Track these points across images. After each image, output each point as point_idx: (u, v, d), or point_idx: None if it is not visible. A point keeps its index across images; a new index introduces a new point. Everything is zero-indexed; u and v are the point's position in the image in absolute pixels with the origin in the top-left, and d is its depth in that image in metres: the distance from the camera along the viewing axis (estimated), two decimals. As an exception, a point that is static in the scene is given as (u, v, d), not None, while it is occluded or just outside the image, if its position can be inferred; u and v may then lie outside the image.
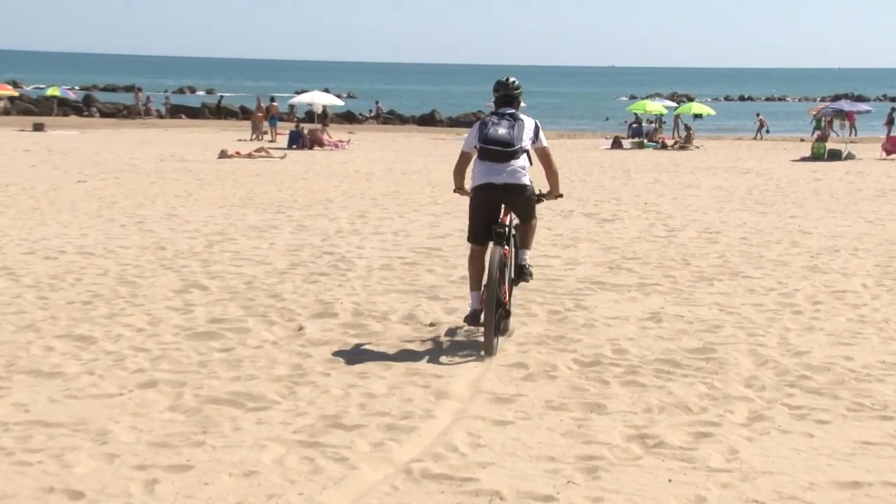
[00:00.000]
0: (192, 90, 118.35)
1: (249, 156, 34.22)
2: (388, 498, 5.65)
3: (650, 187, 25.41)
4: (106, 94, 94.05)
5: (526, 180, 8.96)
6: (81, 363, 8.29)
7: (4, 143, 37.76)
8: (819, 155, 36.67)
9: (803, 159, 36.90)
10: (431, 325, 9.89)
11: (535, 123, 9.09)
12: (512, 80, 9.19)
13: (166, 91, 71.75)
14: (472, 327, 9.14)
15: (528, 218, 9.16)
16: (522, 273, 9.14)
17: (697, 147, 44.32)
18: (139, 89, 71.80)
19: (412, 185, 25.25)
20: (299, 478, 5.89)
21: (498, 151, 8.80)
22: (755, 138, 55.22)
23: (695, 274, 12.77)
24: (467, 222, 9.17)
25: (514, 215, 9.22)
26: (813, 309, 10.71)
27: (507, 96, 9.11)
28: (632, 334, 9.55)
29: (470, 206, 9.11)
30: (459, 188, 9.62)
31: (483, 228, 8.99)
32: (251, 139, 44.62)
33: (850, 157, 36.65)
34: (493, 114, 9.15)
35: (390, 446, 6.43)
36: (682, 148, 43.74)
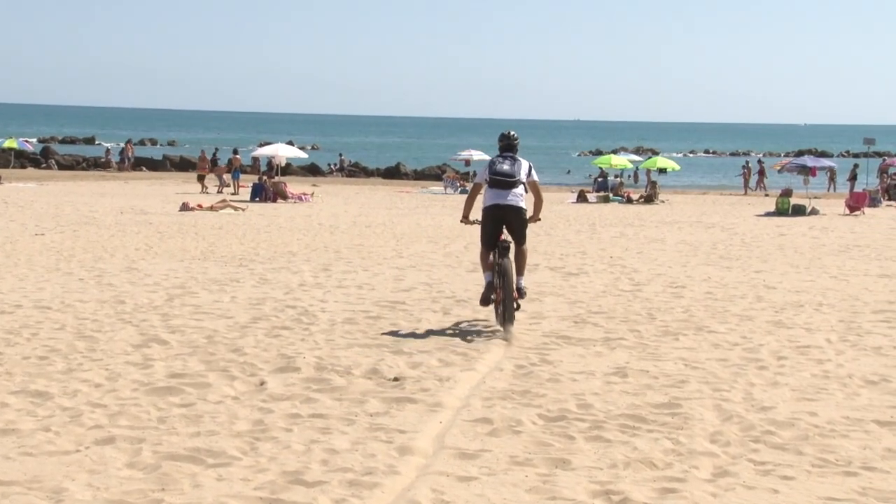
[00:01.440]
0: (154, 142, 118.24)
1: (211, 208, 34.22)
2: None
3: (615, 241, 25.61)
4: (64, 147, 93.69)
5: (523, 204, 12.56)
6: (37, 419, 8.20)
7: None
8: (783, 210, 37.13)
9: (768, 214, 37.36)
10: (395, 379, 9.85)
11: (529, 164, 12.82)
12: (512, 133, 12.92)
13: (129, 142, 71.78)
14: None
15: (522, 239, 12.68)
16: (521, 294, 12.52)
17: (663, 201, 44.75)
18: (128, 141, 71.70)
19: (376, 238, 25.33)
20: None
21: (504, 181, 12.46)
22: (747, 193, 55.21)
23: (660, 328, 12.85)
24: (480, 235, 12.70)
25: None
26: (777, 364, 10.79)
27: (508, 145, 12.81)
28: (597, 389, 9.57)
29: (482, 222, 12.64)
30: (465, 217, 13.34)
31: (492, 239, 12.59)
32: (201, 192, 44.77)
33: (814, 212, 37.11)
34: (499, 156, 12.93)
35: (353, 503, 6.38)
36: (648, 202, 44.13)
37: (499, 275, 12.38)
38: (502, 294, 12.28)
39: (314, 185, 52.64)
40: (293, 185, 44.89)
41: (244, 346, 11.32)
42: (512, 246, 12.65)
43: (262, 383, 9.56)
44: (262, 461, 7.19)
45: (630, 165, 56.05)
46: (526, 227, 12.74)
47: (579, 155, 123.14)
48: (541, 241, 24.24)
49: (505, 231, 12.72)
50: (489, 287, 12.53)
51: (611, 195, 46.47)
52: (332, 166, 72.53)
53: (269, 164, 49.77)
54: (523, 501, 6.54)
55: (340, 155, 77.40)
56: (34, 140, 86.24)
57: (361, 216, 33.31)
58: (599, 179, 52.38)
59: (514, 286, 12.32)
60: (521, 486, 6.82)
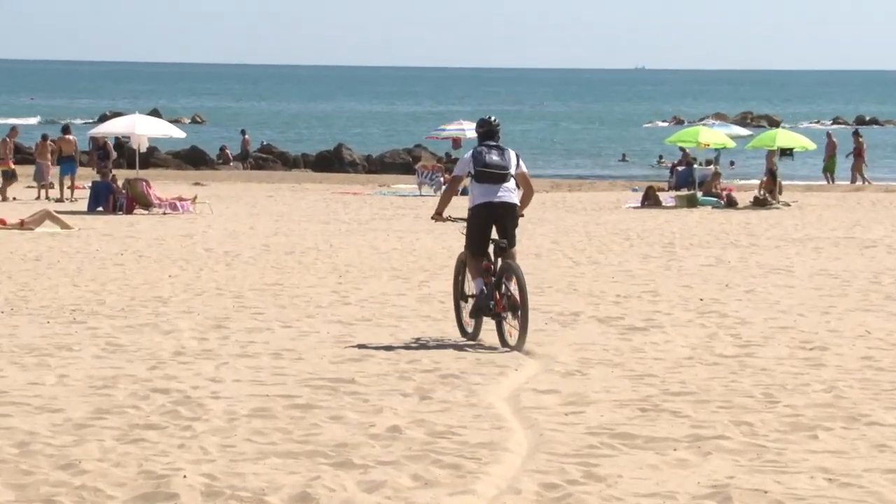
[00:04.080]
0: None
1: (22, 225, 34.07)
2: None
3: (709, 273, 25.50)
4: None
5: (517, 200, 17.03)
6: None
7: None
8: None
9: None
10: None
11: (516, 153, 17.05)
12: (493, 118, 17.52)
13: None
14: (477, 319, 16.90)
15: (513, 241, 16.93)
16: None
17: (787, 204, 44.60)
18: None
19: (305, 273, 25.63)
20: None
21: (496, 174, 16.53)
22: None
23: (786, 419, 12.78)
24: (465, 239, 17.03)
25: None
26: None
27: (489, 132, 17.13)
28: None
29: (470, 223, 16.95)
30: (439, 214, 17.51)
31: (483, 241, 16.83)
32: (36, 198, 44.63)
33: None
34: (482, 145, 16.99)
35: None
36: (762, 205, 43.91)
37: (505, 279, 16.64)
38: (512, 301, 16.46)
39: (197, 184, 52.49)
40: (161, 186, 44.87)
41: (82, 458, 11.21)
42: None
43: None
44: None
45: (732, 144, 54.11)
46: (516, 225, 17.20)
47: (648, 125, 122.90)
48: (582, 275, 24.09)
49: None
50: (483, 295, 16.59)
51: (699, 194, 46.11)
52: (226, 152, 72.45)
53: (120, 147, 49.52)
54: None
55: (243, 132, 76.99)
56: None
57: (278, 235, 33.79)
58: (680, 168, 52.09)
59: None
60: None
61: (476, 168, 16.10)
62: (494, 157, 16.19)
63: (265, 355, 16.30)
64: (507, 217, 16.59)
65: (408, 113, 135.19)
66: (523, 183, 16.93)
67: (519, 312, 16.39)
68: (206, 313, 19.84)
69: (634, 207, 44.27)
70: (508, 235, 16.61)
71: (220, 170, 67.04)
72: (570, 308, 19.24)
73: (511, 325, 16.73)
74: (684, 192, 45.84)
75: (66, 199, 44.02)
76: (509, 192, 16.55)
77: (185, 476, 10.55)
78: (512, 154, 16.61)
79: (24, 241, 31.15)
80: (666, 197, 45.67)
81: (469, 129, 56.80)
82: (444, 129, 61.64)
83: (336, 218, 38.68)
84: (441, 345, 17.22)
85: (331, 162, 70.49)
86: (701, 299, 21.53)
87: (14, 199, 45.68)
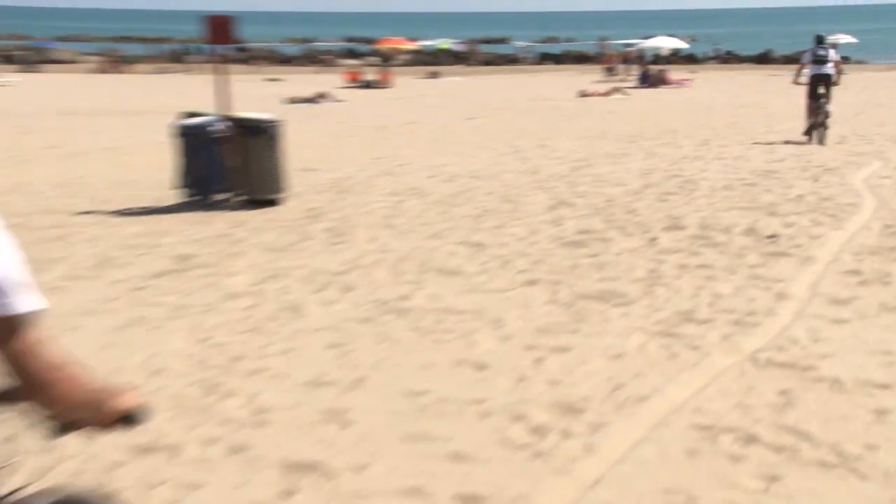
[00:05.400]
0: (556, 40, 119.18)
1: (605, 94, 34.97)
2: (738, 380, 5.84)
3: None
4: (485, 46, 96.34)
5: (832, 72, 18.12)
6: (477, 264, 9.01)
7: (408, 89, 40.41)
8: None
9: None
10: (771, 236, 9.90)
11: (835, 50, 18.25)
12: (823, 35, 18.25)
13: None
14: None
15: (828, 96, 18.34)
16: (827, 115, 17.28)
17: None
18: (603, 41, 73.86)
19: (749, 117, 24.83)
20: (659, 362, 6.19)
21: (820, 59, 18.10)
22: None
23: None
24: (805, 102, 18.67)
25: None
26: None
27: (820, 39, 18.17)
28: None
29: (808, 86, 18.23)
30: (796, 81, 19.09)
31: (813, 98, 18.17)
32: (604, 80, 45.57)
33: None
34: (818, 45, 18.23)
35: (738, 339, 6.60)
36: None
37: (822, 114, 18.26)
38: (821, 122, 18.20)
39: (692, 72, 51.92)
40: (674, 73, 44.65)
41: (638, 208, 11.73)
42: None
43: (655, 240, 9.98)
44: (658, 302, 7.57)
45: None
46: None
47: None
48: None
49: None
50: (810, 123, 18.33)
51: None
52: (707, 54, 70.67)
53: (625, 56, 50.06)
54: (894, 342, 6.50)
55: (716, 45, 74.79)
56: (459, 41, 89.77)
57: (735, 98, 32.62)
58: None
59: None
60: (892, 328, 6.80)
61: (812, 56, 18.57)
62: (821, 51, 18.49)
63: (729, 158, 16.27)
64: (827, 82, 18.33)
65: (806, 30, 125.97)
66: (836, 66, 18.31)
67: (823, 128, 18.20)
68: (697, 137, 19.94)
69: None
70: (827, 92, 18.25)
71: (704, 64, 66.19)
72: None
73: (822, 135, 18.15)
74: None
75: (626, 80, 44.98)
76: (829, 68, 18.36)
77: (689, 218, 11.03)
78: (832, 51, 18.60)
79: (605, 103, 32.02)
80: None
81: (843, 37, 53.89)
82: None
83: (766, 89, 37.22)
84: (825, 153, 16.89)
85: (764, 58, 67.21)
86: None
87: (596, 81, 46.58)
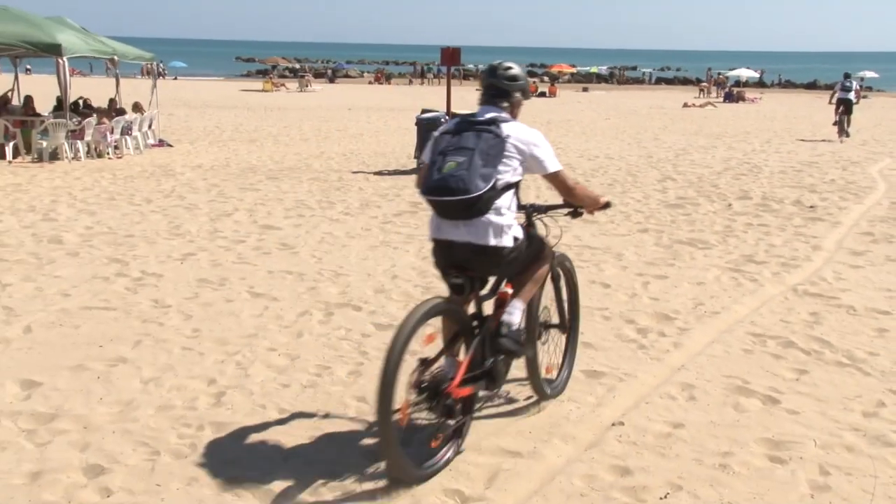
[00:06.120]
0: (668, 68, 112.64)
1: (700, 106, 33.27)
2: (782, 304, 5.66)
3: None
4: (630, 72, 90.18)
5: (853, 97, 14.48)
6: (607, 217, 8.73)
7: (567, 97, 39.74)
8: None
9: None
10: (811, 207, 9.43)
11: (856, 82, 12.70)
12: (849, 73, 13.11)
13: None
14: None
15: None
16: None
17: None
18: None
19: (799, 124, 23.27)
20: (729, 288, 6.02)
21: (846, 88, 15.68)
22: None
23: None
24: None
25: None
26: None
27: (847, 75, 13.81)
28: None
29: (836, 105, 15.20)
30: (830, 102, 15.84)
31: (839, 114, 15.07)
32: (701, 97, 43.26)
33: None
34: (845, 79, 15.27)
35: (784, 276, 6.39)
36: None
37: None
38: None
39: (761, 93, 48.77)
40: (749, 93, 41.94)
41: (720, 183, 11.27)
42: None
43: (730, 205, 9.59)
44: (730, 248, 7.34)
45: None
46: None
47: None
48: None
49: None
50: None
51: None
52: (773, 81, 65.87)
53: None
54: (893, 283, 6.23)
55: (779, 74, 69.01)
56: (605, 67, 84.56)
57: (790, 112, 30.49)
58: None
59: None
60: (893, 273, 6.50)
61: (841, 86, 16.74)
62: (846, 83, 17.20)
63: (784, 152, 15.37)
64: (847, 104, 15.93)
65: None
66: (856, 93, 17.43)
67: (846, 135, 17.11)
68: (762, 138, 18.92)
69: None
70: (848, 111, 17.06)
71: (771, 88, 61.63)
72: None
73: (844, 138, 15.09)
74: None
75: (714, 97, 42.39)
76: (850, 95, 17.13)
77: (755, 192, 10.46)
78: (854, 82, 17.58)
79: (700, 112, 31.04)
80: None
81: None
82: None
83: (810, 104, 34.41)
84: (852, 151, 15.93)
85: (812, 85, 62.22)
86: None
87: (695, 97, 44.04)
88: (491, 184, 3.04)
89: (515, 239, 3.17)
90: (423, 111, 12.50)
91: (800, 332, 5.05)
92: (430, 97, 32.48)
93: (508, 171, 3.14)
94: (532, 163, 3.19)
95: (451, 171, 3.05)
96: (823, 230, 8.15)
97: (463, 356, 3.14)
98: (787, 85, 63.65)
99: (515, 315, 3.26)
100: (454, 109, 12.48)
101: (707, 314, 5.40)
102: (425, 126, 11.82)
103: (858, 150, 15.79)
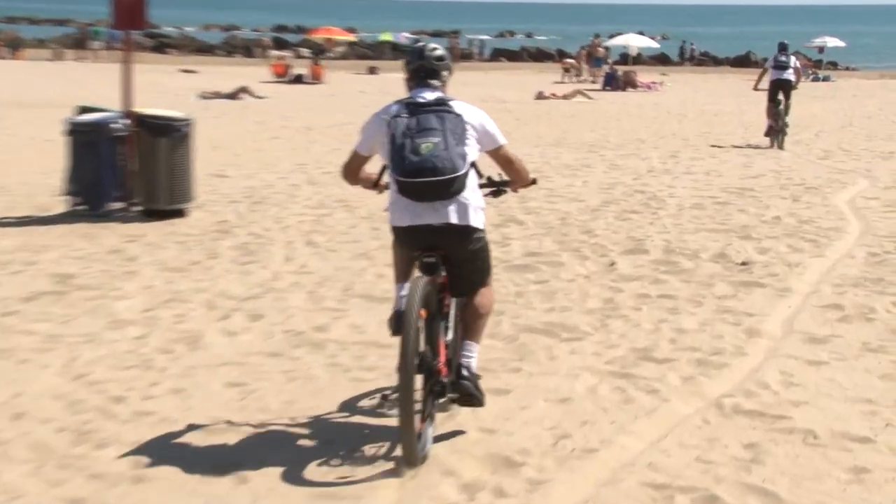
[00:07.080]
0: (511, 34, 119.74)
1: (565, 97, 35.04)
2: (699, 431, 5.77)
3: None
4: (434, 39, 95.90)
5: (793, 78, 18.66)
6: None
7: (343, 86, 39.97)
8: None
9: None
10: (743, 263, 9.91)
11: (795, 57, 16.53)
12: (786, 42, 16.19)
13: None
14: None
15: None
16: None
17: None
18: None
19: (724, 126, 24.99)
20: (611, 406, 6.11)
21: (782, 65, 18.96)
22: None
23: None
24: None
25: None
26: None
27: (783, 46, 16.77)
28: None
29: (769, 90, 18.30)
30: (756, 87, 19.75)
31: (773, 102, 18.24)
32: (566, 81, 45.55)
33: None
34: (780, 52, 17.95)
35: (701, 381, 6.58)
36: None
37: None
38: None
39: (663, 74, 52.19)
40: (642, 75, 44.81)
41: (595, 228, 11.66)
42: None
43: (613, 264, 9.88)
44: (613, 337, 7.51)
45: None
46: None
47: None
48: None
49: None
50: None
51: None
52: (683, 54, 71.31)
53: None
54: (876, 388, 6.50)
55: (691, 44, 74.95)
56: (407, 33, 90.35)
57: (709, 104, 32.84)
58: None
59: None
60: (874, 372, 6.80)
61: (774, 62, 19.12)
62: (781, 58, 19.43)
63: (700, 173, 16.24)
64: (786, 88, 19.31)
65: (789, 31, 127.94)
66: (796, 73, 19.92)
67: (782, 134, 19.18)
68: (666, 148, 19.90)
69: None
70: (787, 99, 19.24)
71: (676, 66, 66.30)
72: (888, 148, 19.20)
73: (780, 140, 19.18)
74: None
75: (594, 82, 44.92)
76: (788, 74, 19.44)
77: (652, 240, 10.93)
78: (792, 57, 19.60)
79: (565, 106, 31.86)
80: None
81: (831, 40, 54.87)
82: (812, 41, 59.84)
83: (743, 94, 36.31)
84: (807, 168, 16.95)
85: (742, 61, 66.29)
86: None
87: (556, 83, 46.61)
88: (469, 162, 5.14)
89: (483, 223, 5.36)
90: (83, 110, 12.03)
91: (729, 480, 5.14)
92: (97, 83, 31.61)
93: (472, 150, 5.22)
94: (485, 138, 5.33)
95: (432, 152, 5.01)
96: (764, 303, 8.52)
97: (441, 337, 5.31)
98: (705, 60, 68.40)
99: (473, 359, 5.45)
100: (144, 108, 12.03)
101: (576, 454, 5.47)
102: (86, 137, 11.37)
103: (817, 167, 17.14)
